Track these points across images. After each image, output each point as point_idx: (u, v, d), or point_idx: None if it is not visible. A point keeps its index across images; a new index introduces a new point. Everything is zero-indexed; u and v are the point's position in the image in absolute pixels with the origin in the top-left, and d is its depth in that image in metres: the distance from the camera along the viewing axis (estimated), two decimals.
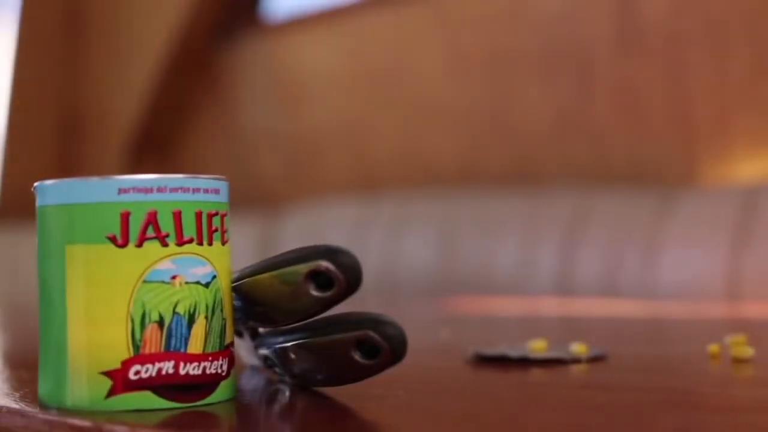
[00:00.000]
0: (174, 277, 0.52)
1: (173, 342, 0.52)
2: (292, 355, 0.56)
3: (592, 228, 1.83)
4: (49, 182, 0.54)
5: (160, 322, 0.52)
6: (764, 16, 1.77)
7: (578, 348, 0.70)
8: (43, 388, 0.54)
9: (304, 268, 0.55)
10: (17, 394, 0.59)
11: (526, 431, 0.45)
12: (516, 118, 2.13)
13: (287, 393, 0.57)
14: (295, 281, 0.55)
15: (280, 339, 0.58)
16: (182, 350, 0.52)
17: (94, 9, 3.06)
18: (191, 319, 0.53)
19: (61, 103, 3.06)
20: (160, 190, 0.53)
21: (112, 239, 0.52)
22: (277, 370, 0.59)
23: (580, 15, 2.00)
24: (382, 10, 2.35)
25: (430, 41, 2.27)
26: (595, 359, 0.69)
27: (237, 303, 0.58)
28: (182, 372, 0.52)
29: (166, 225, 0.52)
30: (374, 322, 0.53)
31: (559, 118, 2.07)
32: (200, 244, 0.53)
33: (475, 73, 2.18)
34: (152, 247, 0.52)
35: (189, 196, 0.53)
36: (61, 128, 3.06)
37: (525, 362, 0.68)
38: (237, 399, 0.56)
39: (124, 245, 0.52)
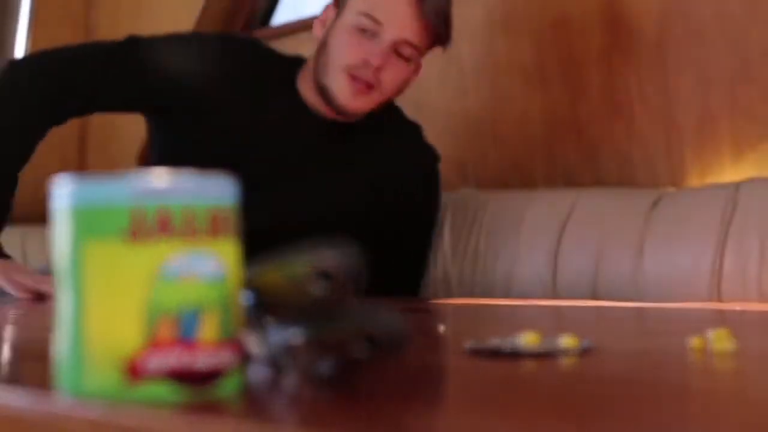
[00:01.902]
0: (185, 273, 0.55)
1: (185, 334, 0.55)
2: (297, 348, 0.59)
3: (581, 230, 1.86)
4: (64, 182, 0.56)
5: (172, 316, 0.55)
6: (745, 24, 1.80)
7: (568, 341, 0.72)
8: (60, 379, 0.57)
9: (308, 265, 0.58)
10: (34, 385, 0.61)
11: (517, 418, 0.47)
12: (508, 123, 2.16)
13: (292, 384, 0.60)
14: (299, 278, 0.58)
15: (286, 333, 0.60)
16: (193, 342, 0.55)
17: (104, 14, 3.08)
18: (201, 313, 0.55)
19: None
20: (171, 189, 0.55)
21: (126, 237, 0.55)
22: (282, 362, 0.62)
23: (570, 24, 2.03)
24: None
25: None
26: (584, 352, 0.72)
27: (245, 298, 0.61)
28: (193, 363, 0.55)
29: (178, 223, 0.55)
30: (376, 316, 0.56)
31: (549, 122, 2.10)
32: (210, 241, 0.56)
33: (470, 78, 2.21)
34: (165, 244, 0.55)
35: (199, 196, 0.56)
36: (70, 130, 3.06)
37: (517, 355, 0.71)
38: (245, 390, 0.58)
39: (137, 243, 0.55)
